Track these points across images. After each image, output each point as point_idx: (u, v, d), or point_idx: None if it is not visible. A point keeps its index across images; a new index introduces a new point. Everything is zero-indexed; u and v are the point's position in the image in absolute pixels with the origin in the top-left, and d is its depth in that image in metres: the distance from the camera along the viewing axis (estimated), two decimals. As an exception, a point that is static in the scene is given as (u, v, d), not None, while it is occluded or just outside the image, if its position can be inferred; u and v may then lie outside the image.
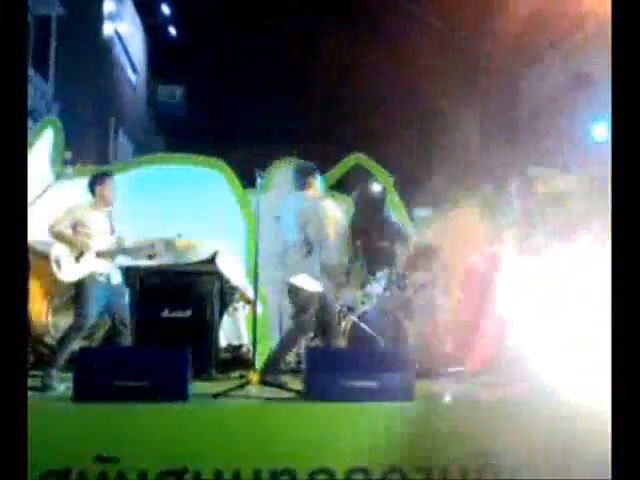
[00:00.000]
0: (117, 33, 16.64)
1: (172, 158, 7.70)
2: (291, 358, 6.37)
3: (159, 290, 6.19)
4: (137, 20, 19.23)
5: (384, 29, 17.07)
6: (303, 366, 5.08)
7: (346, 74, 18.87)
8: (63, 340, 5.19)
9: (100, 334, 6.02)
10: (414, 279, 7.20)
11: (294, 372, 6.11)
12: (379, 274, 6.93)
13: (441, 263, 6.86)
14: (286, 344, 5.34)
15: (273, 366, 5.13)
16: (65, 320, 6.06)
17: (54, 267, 5.18)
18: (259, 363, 5.20)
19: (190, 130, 20.82)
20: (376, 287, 6.85)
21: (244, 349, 6.51)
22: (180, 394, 4.08)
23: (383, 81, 17.63)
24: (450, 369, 6.52)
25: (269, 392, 4.55)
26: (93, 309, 5.19)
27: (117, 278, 5.42)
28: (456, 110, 21.62)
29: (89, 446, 3.70)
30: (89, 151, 12.67)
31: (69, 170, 6.43)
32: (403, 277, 6.98)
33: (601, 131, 8.13)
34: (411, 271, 7.21)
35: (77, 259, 5.20)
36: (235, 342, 6.56)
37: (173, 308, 6.11)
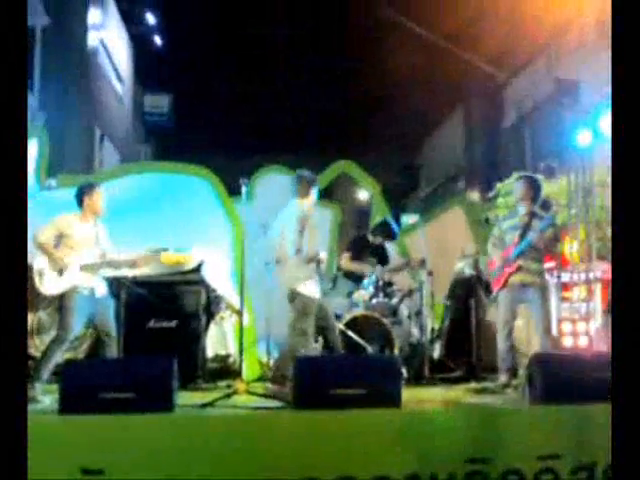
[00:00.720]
0: (102, 43, 16.60)
1: (156, 166, 7.67)
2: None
3: (145, 300, 6.15)
4: (123, 30, 19.19)
5: (369, 38, 17.15)
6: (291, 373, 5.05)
7: (332, 82, 18.94)
8: (46, 353, 5.14)
9: (85, 346, 5.99)
10: (400, 286, 7.22)
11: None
12: (365, 281, 6.94)
13: (427, 269, 6.86)
14: (290, 351, 5.33)
15: (279, 376, 5.11)
16: (50, 332, 6.01)
17: (36, 280, 5.11)
18: (246, 372, 5.18)
19: (176, 139, 20.81)
20: (363, 294, 6.85)
21: (231, 359, 6.49)
22: (166, 405, 4.04)
23: (368, 89, 17.70)
24: (438, 375, 6.54)
25: (256, 401, 4.53)
26: (75, 322, 5.13)
27: (102, 289, 5.37)
28: (442, 117, 21.72)
29: (74, 459, 3.66)
30: (74, 161, 12.62)
31: (53, 181, 6.39)
32: (389, 284, 7.00)
33: (585, 137, 8.17)
34: (397, 278, 7.23)
35: (60, 272, 5.14)
36: (222, 352, 6.54)
37: (159, 318, 6.09)
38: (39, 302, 6.16)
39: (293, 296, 5.33)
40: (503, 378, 5.63)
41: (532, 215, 5.70)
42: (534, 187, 5.80)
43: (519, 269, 5.57)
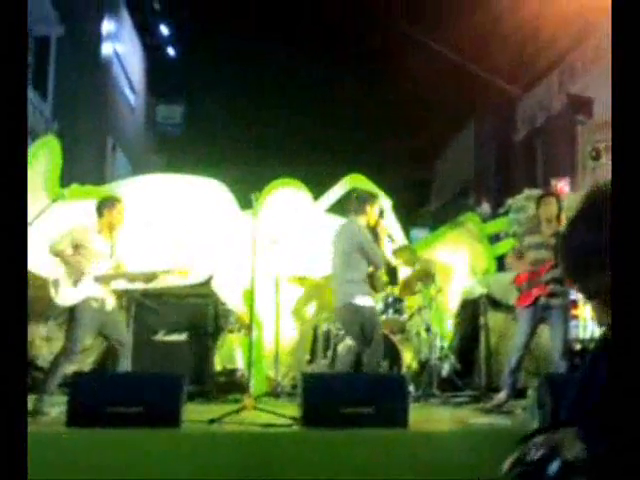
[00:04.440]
0: (116, 53, 16.74)
1: (168, 179, 7.67)
2: (286, 382, 6.34)
3: (154, 313, 6.16)
4: (136, 40, 19.35)
5: (382, 53, 17.20)
6: (298, 390, 5.04)
7: (345, 97, 18.98)
8: (54, 365, 5.13)
9: (93, 358, 6.00)
10: (410, 303, 7.19)
11: (289, 395, 6.08)
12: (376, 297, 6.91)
13: (437, 286, 6.84)
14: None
15: None
16: (59, 343, 6.02)
17: (52, 290, 5.11)
18: (254, 387, 5.16)
19: (189, 150, 20.91)
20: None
21: (239, 373, 6.48)
22: (173, 420, 4.04)
23: (381, 103, 17.74)
24: (446, 393, 6.49)
25: (265, 418, 4.51)
26: (84, 334, 5.14)
27: (113, 300, 5.37)
28: (453, 132, 21.70)
29: (80, 472, 3.65)
30: (87, 171, 12.69)
31: (65, 192, 6.40)
32: (399, 301, 6.97)
33: (598, 154, 8.14)
34: (407, 295, 7.20)
35: (75, 283, 5.13)
36: (230, 366, 6.53)
37: (168, 331, 6.09)
38: (50, 312, 6.18)
39: (354, 310, 5.43)
40: (502, 395, 5.57)
41: (559, 236, 5.61)
42: (559, 207, 5.71)
43: (549, 293, 5.49)
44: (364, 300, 5.47)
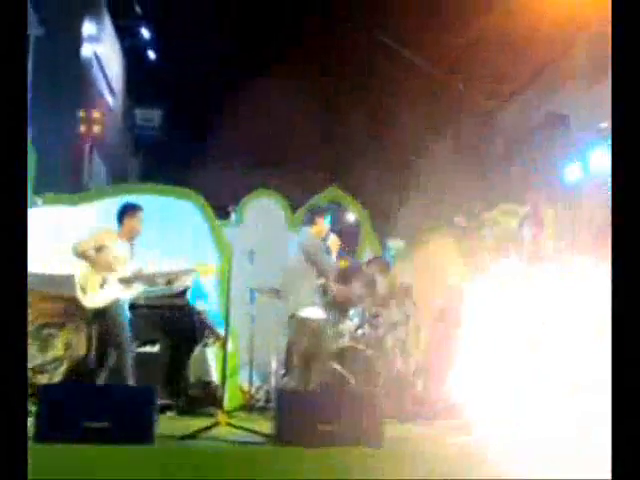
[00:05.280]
0: (96, 55, 16.58)
1: (144, 188, 7.62)
2: (260, 396, 6.30)
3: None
4: (116, 43, 19.19)
5: (360, 63, 17.27)
6: (272, 405, 5.02)
7: (323, 106, 18.99)
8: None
9: (62, 369, 5.89)
10: (386, 317, 7.18)
11: (262, 410, 6.04)
12: (351, 312, 6.90)
13: (413, 301, 6.85)
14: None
15: None
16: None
17: (79, 294, 5.21)
18: (227, 401, 5.12)
19: (167, 154, 20.76)
20: (349, 325, 6.81)
21: (213, 385, 6.41)
22: (145, 436, 3.98)
23: (359, 114, 17.77)
24: (420, 409, 6.50)
25: (238, 434, 4.47)
26: (128, 333, 5.25)
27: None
28: (431, 144, 21.82)
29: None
30: (63, 175, 12.54)
31: (39, 200, 6.33)
32: (375, 316, 6.95)
33: (575, 171, 8.24)
34: (383, 309, 7.19)
35: (102, 285, 5.22)
36: (205, 378, 6.46)
37: (142, 342, 6.01)
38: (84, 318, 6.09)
39: (300, 323, 5.35)
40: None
41: None
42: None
43: None
44: (310, 312, 5.36)
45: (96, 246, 5.29)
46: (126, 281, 5.32)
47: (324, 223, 5.70)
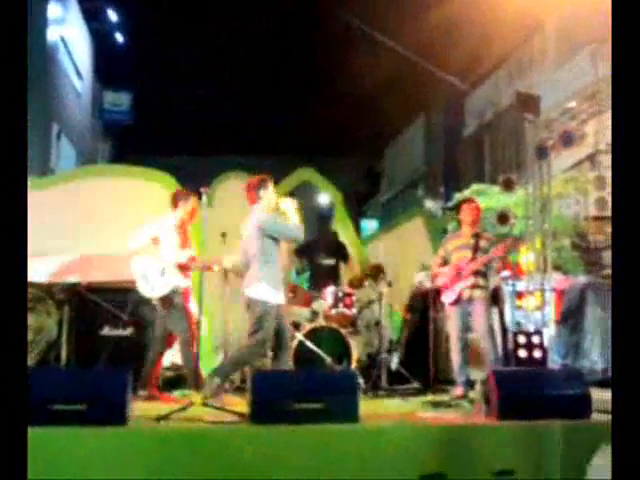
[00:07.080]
0: (62, 38, 16.27)
1: (114, 169, 7.52)
2: (236, 376, 6.27)
3: (98, 307, 6.01)
4: (83, 26, 18.85)
5: (332, 46, 17.22)
6: (247, 385, 4.99)
7: (295, 89, 18.93)
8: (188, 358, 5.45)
9: (35, 352, 5.80)
10: (360, 296, 7.21)
11: (239, 390, 6.03)
12: (325, 291, 6.91)
13: (387, 280, 6.87)
14: (238, 362, 5.22)
15: (219, 386, 4.99)
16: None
17: (141, 283, 5.34)
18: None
19: (136, 138, 20.53)
20: (322, 304, 6.81)
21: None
22: (119, 418, 3.94)
23: (331, 96, 17.74)
24: (397, 387, 6.55)
25: (213, 414, 4.46)
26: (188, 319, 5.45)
27: None
28: (403, 124, 21.87)
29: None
30: (31, 157, 12.32)
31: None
32: (348, 295, 6.97)
33: (542, 150, 8.33)
34: (357, 288, 7.22)
35: (162, 273, 5.35)
36: (178, 361, 6.41)
37: (113, 325, 5.95)
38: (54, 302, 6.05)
39: (250, 303, 5.18)
40: (458, 391, 5.75)
41: (477, 236, 6.05)
42: (478, 211, 6.22)
43: (473, 286, 5.89)
44: (256, 291, 5.06)
45: (152, 237, 5.44)
46: (184, 269, 5.47)
47: (267, 194, 5.39)
